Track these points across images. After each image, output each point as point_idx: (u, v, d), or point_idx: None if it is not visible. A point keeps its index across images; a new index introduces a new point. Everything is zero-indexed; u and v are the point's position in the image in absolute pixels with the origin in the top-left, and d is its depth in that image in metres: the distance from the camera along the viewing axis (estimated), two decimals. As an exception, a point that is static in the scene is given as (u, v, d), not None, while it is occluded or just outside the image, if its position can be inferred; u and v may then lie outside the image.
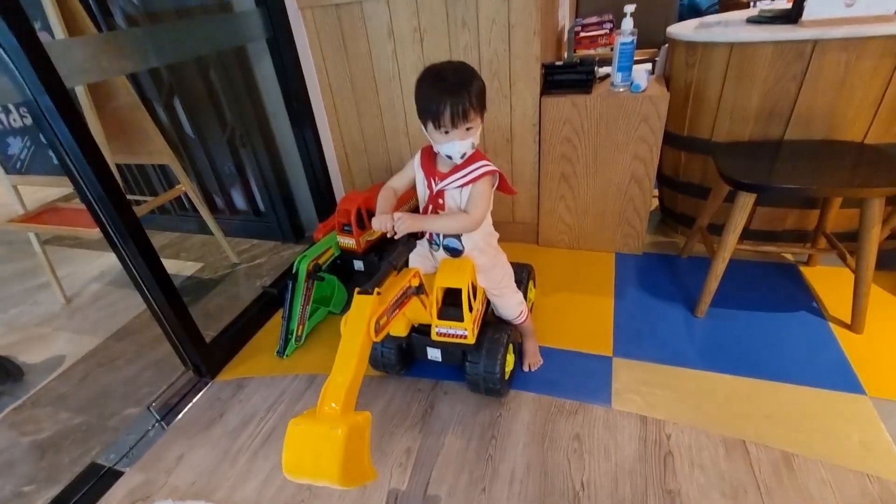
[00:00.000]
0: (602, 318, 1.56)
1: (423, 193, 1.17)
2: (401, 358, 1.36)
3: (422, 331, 1.23)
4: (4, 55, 0.98)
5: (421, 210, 1.18)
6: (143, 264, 1.25)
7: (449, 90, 0.96)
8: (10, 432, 1.40)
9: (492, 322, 1.31)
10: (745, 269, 1.70)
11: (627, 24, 1.57)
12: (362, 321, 0.88)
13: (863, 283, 1.35)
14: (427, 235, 1.21)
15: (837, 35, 1.35)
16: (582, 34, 2.56)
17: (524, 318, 1.34)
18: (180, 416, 1.38)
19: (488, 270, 1.23)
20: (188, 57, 1.57)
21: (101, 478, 1.22)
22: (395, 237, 1.08)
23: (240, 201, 2.35)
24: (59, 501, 1.17)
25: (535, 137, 1.76)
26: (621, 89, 1.65)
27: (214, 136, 2.15)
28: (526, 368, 1.39)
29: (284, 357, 1.55)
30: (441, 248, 1.21)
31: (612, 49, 2.55)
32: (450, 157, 1.04)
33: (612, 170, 1.73)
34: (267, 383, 1.46)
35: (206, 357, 1.49)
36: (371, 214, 1.68)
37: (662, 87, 1.67)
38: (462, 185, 1.08)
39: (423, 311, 1.13)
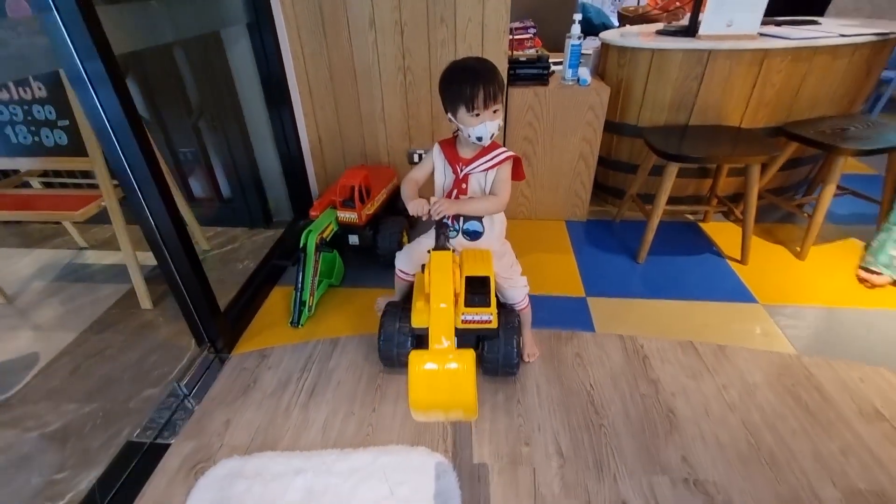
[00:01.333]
0: (569, 270, 1.91)
1: (442, 181, 1.27)
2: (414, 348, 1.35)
3: None
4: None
5: (446, 195, 1.26)
6: (173, 231, 1.27)
7: (479, 77, 1.08)
8: (9, 431, 1.30)
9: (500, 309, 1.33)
10: (661, 227, 2.17)
11: (576, 28, 1.92)
12: (447, 269, 1.02)
13: (748, 228, 1.87)
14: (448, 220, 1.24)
15: (724, 47, 1.84)
16: (513, 37, 2.91)
17: (527, 302, 1.41)
18: (210, 388, 1.41)
19: (500, 257, 1.33)
20: (163, 41, 1.51)
21: (145, 453, 1.22)
22: (433, 219, 1.17)
23: (204, 188, 2.28)
24: (106, 479, 1.16)
25: (501, 123, 2.05)
26: (571, 83, 2.01)
27: (177, 120, 2.07)
28: (526, 359, 1.45)
29: (300, 326, 1.63)
30: (460, 232, 1.28)
31: (537, 51, 2.95)
32: (479, 140, 1.14)
33: (565, 150, 2.08)
34: (290, 350, 1.54)
35: (224, 331, 1.52)
36: (368, 191, 1.83)
37: (600, 81, 2.06)
38: (487, 169, 1.20)
39: None
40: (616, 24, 4.56)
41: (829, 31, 1.94)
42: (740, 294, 1.75)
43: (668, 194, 1.81)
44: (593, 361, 1.46)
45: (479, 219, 1.27)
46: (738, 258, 1.94)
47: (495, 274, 1.25)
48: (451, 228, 1.27)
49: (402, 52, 1.93)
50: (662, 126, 2.03)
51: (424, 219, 1.20)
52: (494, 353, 1.30)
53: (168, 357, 1.52)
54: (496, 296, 1.25)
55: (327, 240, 1.73)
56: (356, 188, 1.74)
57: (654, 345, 1.51)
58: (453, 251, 1.12)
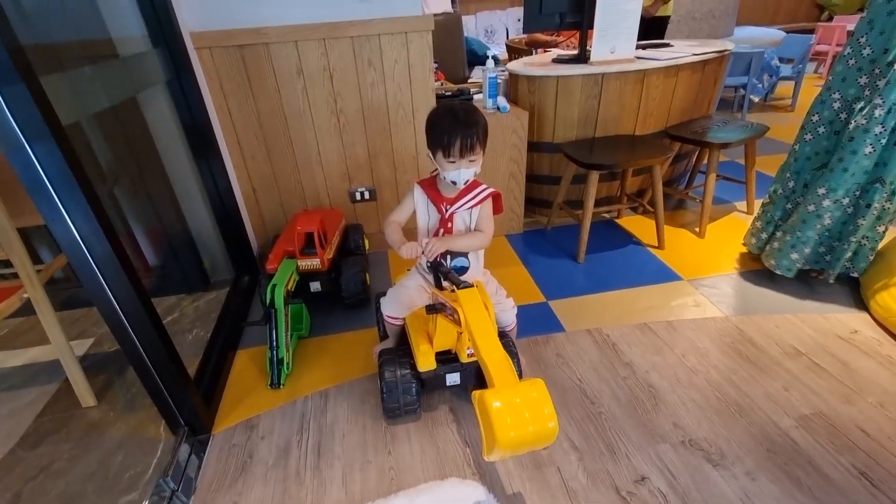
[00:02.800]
0: (525, 279, 2.06)
1: (426, 221, 1.30)
2: (419, 394, 1.34)
3: (442, 360, 1.31)
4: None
5: (431, 235, 1.29)
6: (136, 299, 1.14)
7: (459, 126, 1.12)
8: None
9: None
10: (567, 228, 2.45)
11: (490, 63, 2.12)
12: (480, 305, 1.04)
13: (660, 218, 2.18)
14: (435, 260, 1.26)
15: (613, 70, 2.16)
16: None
17: (515, 322, 1.45)
18: (200, 476, 1.28)
19: (486, 285, 1.35)
20: (71, 121, 1.26)
21: (145, 567, 1.08)
22: (426, 260, 1.21)
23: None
24: None
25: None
26: (492, 111, 2.19)
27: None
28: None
29: (281, 387, 1.54)
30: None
31: (442, 84, 3.15)
32: (454, 183, 1.20)
33: (496, 171, 2.26)
34: (279, 414, 1.46)
35: (201, 408, 1.39)
36: (325, 235, 1.81)
37: (516, 107, 2.28)
38: (471, 207, 1.26)
39: (446, 337, 1.24)
40: (495, 51, 5.00)
41: (685, 51, 2.38)
42: (667, 275, 2.03)
43: (594, 198, 2.06)
44: (573, 358, 1.60)
45: (465, 254, 1.32)
46: (657, 244, 2.25)
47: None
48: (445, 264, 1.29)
49: (333, 97, 1.96)
50: (575, 140, 2.30)
51: (419, 260, 1.23)
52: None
53: (137, 453, 1.35)
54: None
55: (292, 291, 1.67)
56: (316, 234, 1.71)
57: (617, 332, 1.70)
58: (453, 290, 1.12)
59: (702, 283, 1.96)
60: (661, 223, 2.19)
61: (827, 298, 1.80)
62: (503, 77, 2.48)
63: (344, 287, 1.81)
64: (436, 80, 3.16)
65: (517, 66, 2.36)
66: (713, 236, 2.31)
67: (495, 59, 4.87)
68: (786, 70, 4.24)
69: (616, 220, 2.55)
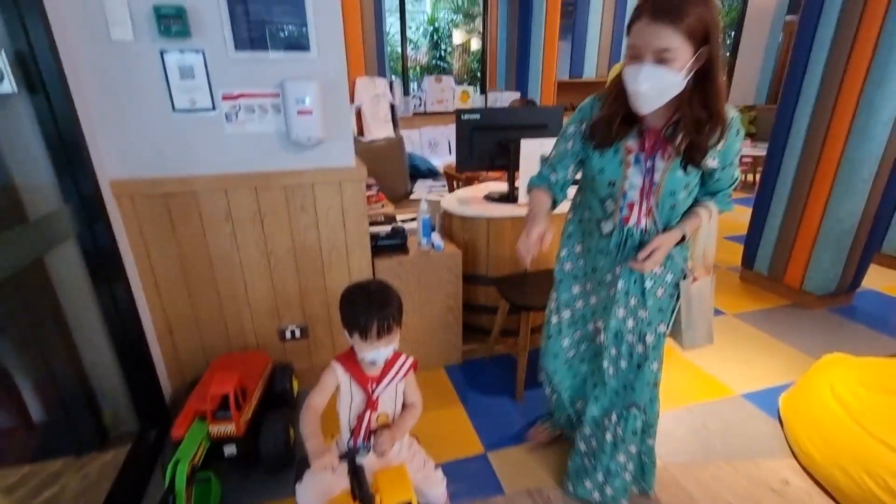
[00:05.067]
0: (462, 424, 1.96)
1: (349, 402, 1.22)
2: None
3: None
4: None
5: (356, 417, 1.22)
6: None
7: (375, 308, 1.12)
8: None
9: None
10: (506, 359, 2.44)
11: (423, 205, 2.20)
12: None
13: (593, 351, 2.22)
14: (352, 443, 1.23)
15: (540, 210, 2.30)
16: (359, 194, 3.15)
17: (446, 495, 1.39)
18: None
19: (411, 459, 1.31)
20: None
21: None
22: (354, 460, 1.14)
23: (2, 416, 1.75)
24: None
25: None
26: (427, 249, 2.24)
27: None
28: None
29: None
30: (371, 450, 1.21)
31: (383, 205, 3.23)
32: (372, 364, 1.18)
33: (433, 305, 2.25)
34: None
35: None
36: (244, 392, 1.67)
37: (450, 243, 2.34)
38: (399, 381, 1.24)
39: None
40: (437, 162, 5.31)
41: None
42: (605, 413, 2.02)
43: (528, 336, 2.07)
44: (512, 529, 1.48)
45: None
46: (592, 377, 2.26)
47: (411, 480, 1.22)
48: (363, 449, 1.20)
49: (264, 240, 1.92)
50: (508, 276, 2.37)
51: (337, 468, 1.12)
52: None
53: None
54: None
55: (199, 465, 1.48)
56: (232, 395, 1.57)
57: (558, 495, 1.61)
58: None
59: (638, 422, 1.95)
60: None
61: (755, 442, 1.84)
62: (441, 195, 2.58)
63: (263, 450, 1.63)
64: (378, 201, 3.27)
65: (451, 204, 2.47)
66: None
67: (435, 172, 5.15)
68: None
69: (553, 347, 2.57)
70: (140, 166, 1.71)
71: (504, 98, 6.06)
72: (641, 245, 1.28)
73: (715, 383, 2.24)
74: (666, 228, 1.28)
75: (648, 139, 1.20)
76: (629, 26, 1.08)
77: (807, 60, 2.71)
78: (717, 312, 2.93)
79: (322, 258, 2.02)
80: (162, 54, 1.61)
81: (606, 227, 1.33)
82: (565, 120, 1.48)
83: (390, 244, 2.14)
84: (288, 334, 2.10)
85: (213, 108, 1.72)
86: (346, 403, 1.23)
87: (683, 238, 1.30)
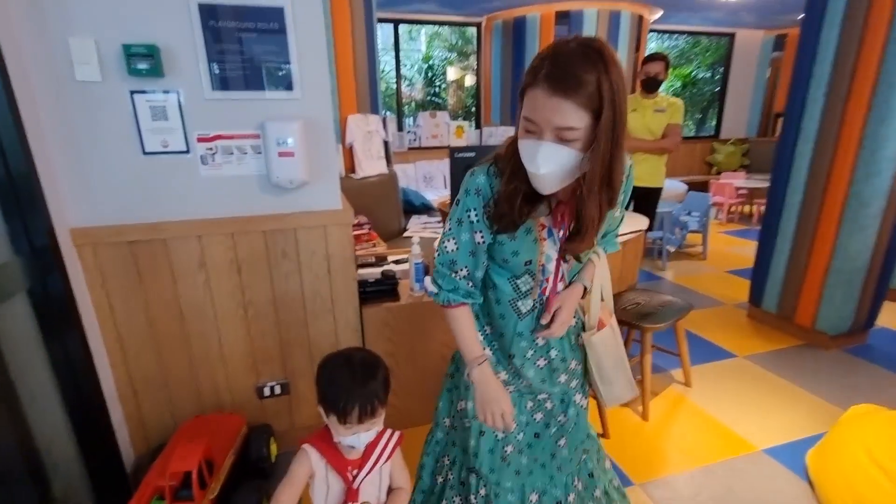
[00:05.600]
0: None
1: (324, 494, 1.07)
2: None
3: None
4: None
5: None
6: None
7: (357, 387, 0.99)
8: None
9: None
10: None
11: (416, 248, 2.06)
12: None
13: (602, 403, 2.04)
14: None
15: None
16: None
17: None
18: None
19: None
20: None
21: None
22: None
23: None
24: None
25: (360, 342, 1.97)
26: (420, 294, 2.09)
27: None
28: None
29: None
30: None
31: (375, 245, 3.09)
32: (351, 448, 1.05)
33: (427, 355, 2.08)
34: None
35: None
36: (211, 465, 1.48)
37: (445, 287, 2.20)
38: (383, 464, 1.09)
39: None
40: (432, 196, 5.22)
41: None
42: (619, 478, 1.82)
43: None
44: None
45: None
46: (601, 432, 2.07)
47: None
48: None
49: (241, 289, 1.77)
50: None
51: None
52: None
53: None
54: None
55: (154, 559, 1.28)
56: (195, 473, 1.38)
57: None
58: None
59: (654, 487, 1.76)
60: (603, 408, 2.05)
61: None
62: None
63: (231, 533, 1.43)
64: (369, 240, 3.13)
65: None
66: (656, 416, 2.19)
67: (430, 207, 5.05)
68: (693, 223, 4.68)
69: (556, 397, 2.39)
70: (105, 213, 1.57)
71: (499, 133, 6.06)
72: None
73: (733, 437, 2.06)
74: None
75: (559, 212, 1.03)
76: (522, 91, 0.90)
77: (804, 98, 2.66)
78: (727, 355, 2.78)
79: (305, 308, 1.87)
80: (132, 95, 1.50)
81: (525, 305, 1.10)
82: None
83: (379, 290, 2.00)
84: (267, 391, 1.92)
85: (188, 150, 1.60)
86: (322, 494, 1.05)
87: (584, 290, 1.16)
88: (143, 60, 1.46)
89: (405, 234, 4.13)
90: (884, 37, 2.30)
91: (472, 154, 2.32)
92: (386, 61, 7.30)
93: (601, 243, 1.20)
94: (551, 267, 1.08)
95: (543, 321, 1.10)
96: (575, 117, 0.84)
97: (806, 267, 2.80)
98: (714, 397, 2.35)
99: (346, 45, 3.44)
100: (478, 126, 6.79)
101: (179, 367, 1.79)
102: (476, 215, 1.02)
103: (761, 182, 6.05)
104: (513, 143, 0.98)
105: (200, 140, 1.60)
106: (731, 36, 7.24)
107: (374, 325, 1.97)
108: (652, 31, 6.62)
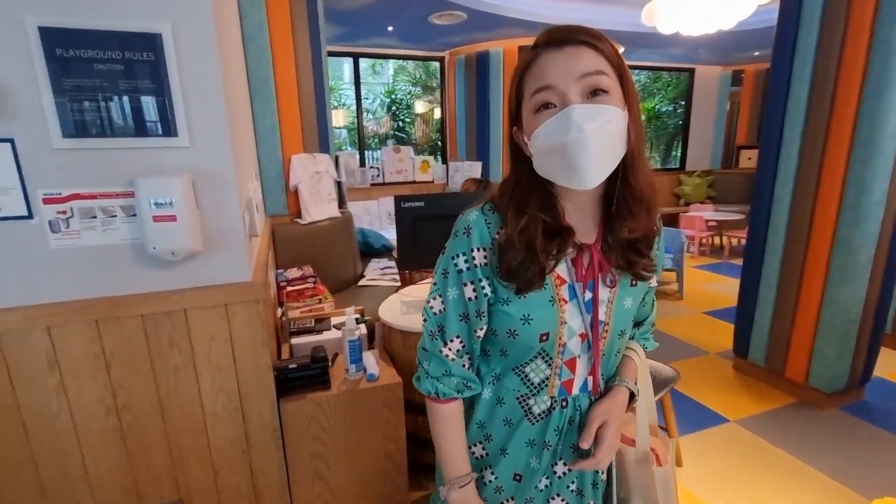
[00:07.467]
0: None
1: None
2: None
3: None
4: None
5: None
6: None
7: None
8: None
9: None
10: None
11: (351, 322, 1.69)
12: None
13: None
14: None
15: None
16: (288, 289, 2.63)
17: None
18: None
19: None
20: None
21: None
22: None
23: None
24: None
25: (278, 443, 1.56)
26: (357, 377, 1.70)
27: None
28: None
29: None
30: None
31: (320, 300, 2.69)
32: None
33: (366, 454, 1.68)
34: None
35: None
36: None
37: (390, 366, 1.82)
38: None
39: None
40: (390, 239, 4.86)
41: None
42: None
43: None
44: None
45: None
46: None
47: None
48: None
49: (111, 391, 1.35)
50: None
51: None
52: None
53: None
54: None
55: None
56: None
57: None
58: None
59: None
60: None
61: None
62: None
63: None
64: (315, 295, 2.72)
65: (392, 312, 1.98)
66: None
67: (391, 248, 4.68)
68: (667, 262, 4.48)
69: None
70: None
71: (465, 168, 5.83)
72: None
73: (736, 536, 1.73)
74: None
75: (583, 258, 0.77)
76: (522, 73, 0.72)
77: (780, 137, 2.48)
78: (718, 419, 2.48)
79: (203, 408, 1.46)
80: (-56, 145, 1.12)
81: (539, 405, 0.83)
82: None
83: (304, 376, 1.60)
84: (152, 519, 1.47)
85: (30, 215, 1.21)
86: None
87: (632, 397, 0.87)
88: (-42, 100, 1.09)
89: (361, 283, 3.75)
90: (861, 72, 2.14)
91: (421, 203, 2.00)
92: (348, 95, 7.08)
93: (637, 337, 0.93)
94: (575, 348, 0.79)
95: (583, 444, 0.80)
96: (600, 60, 0.68)
97: (793, 318, 2.56)
98: (707, 479, 2.03)
99: (290, 81, 3.14)
100: (444, 161, 6.56)
101: (26, 500, 1.34)
102: (466, 261, 0.78)
103: (730, 214, 6.00)
104: (511, 176, 0.79)
105: (48, 201, 1.21)
106: (691, 71, 7.35)
107: (296, 423, 1.56)
108: (615, 66, 6.64)
